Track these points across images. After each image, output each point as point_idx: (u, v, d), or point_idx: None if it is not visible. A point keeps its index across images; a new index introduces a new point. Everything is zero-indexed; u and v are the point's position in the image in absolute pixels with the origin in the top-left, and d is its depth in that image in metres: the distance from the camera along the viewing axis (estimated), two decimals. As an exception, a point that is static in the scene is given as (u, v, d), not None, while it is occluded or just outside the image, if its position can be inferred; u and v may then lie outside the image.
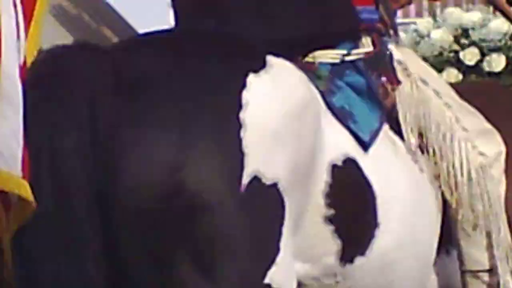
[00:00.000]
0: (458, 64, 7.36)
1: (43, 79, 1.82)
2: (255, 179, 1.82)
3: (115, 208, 1.77)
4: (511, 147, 2.70)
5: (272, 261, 1.84)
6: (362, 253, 2.07)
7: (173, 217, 1.76)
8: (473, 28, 7.41)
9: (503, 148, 2.45)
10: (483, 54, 7.37)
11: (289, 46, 2.06)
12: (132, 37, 2.28)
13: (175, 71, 1.87)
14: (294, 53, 2.07)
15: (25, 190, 1.71)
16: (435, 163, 2.29)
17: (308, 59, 2.11)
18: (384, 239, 2.10)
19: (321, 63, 2.12)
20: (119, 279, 1.78)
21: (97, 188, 1.75)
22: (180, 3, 2.28)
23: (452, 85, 2.84)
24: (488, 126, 2.45)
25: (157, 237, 1.77)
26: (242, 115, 1.83)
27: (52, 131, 1.76)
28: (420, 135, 2.28)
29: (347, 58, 2.16)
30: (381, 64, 2.25)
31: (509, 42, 7.44)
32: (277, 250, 1.85)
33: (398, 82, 2.26)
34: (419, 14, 9.28)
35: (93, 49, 1.90)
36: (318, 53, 2.13)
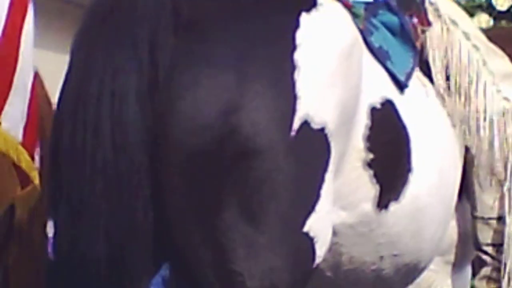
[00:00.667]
0: (489, 9, 7.23)
1: (104, 17, 1.80)
2: (305, 124, 1.83)
3: (170, 151, 1.76)
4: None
5: (312, 208, 1.85)
6: (396, 198, 2.09)
7: (225, 160, 1.76)
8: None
9: None
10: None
11: None
12: None
13: (231, 12, 1.86)
14: None
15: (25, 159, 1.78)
16: (461, 106, 2.29)
17: None
18: (416, 184, 2.12)
19: (355, 1, 2.11)
20: (165, 227, 1.79)
21: (154, 132, 1.75)
22: None
23: (483, 30, 2.82)
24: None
25: (207, 180, 1.77)
26: (296, 56, 1.83)
27: (114, 73, 1.75)
28: (447, 77, 2.28)
29: None
30: (412, 4, 2.25)
31: (541, -11, 7.31)
32: (317, 197, 1.86)
33: (429, 24, 2.26)
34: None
35: None
36: None
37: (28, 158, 2.83)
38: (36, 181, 3.06)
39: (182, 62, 1.78)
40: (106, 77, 1.74)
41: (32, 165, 2.97)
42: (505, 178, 2.38)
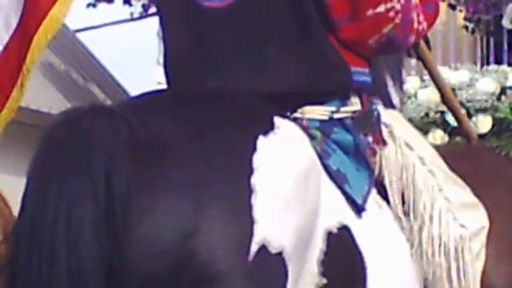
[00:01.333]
0: (444, 125, 7.37)
1: (60, 144, 1.80)
2: (263, 248, 1.81)
3: (126, 278, 1.75)
4: (498, 208, 2.70)
5: None
6: None
7: (183, 286, 1.75)
8: (460, 88, 7.40)
9: (486, 223, 2.40)
10: (469, 115, 7.37)
11: (280, 100, 2.06)
12: (135, 98, 2.27)
13: (188, 135, 1.88)
14: (285, 108, 2.07)
15: None
16: (416, 231, 2.24)
17: (297, 114, 2.10)
18: None
19: (309, 119, 2.11)
20: None
21: (110, 258, 1.73)
22: (171, 61, 2.29)
23: (437, 147, 2.85)
24: (473, 199, 2.42)
25: None
26: (253, 180, 1.83)
27: (69, 200, 1.74)
28: (404, 201, 2.26)
29: (336, 116, 2.15)
30: (368, 124, 2.24)
31: (495, 103, 7.46)
32: None
33: (384, 143, 2.25)
34: (406, 73, 9.40)
35: (107, 113, 1.87)
36: (307, 108, 2.12)
37: None
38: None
39: (139, 187, 1.77)
40: (61, 204, 1.74)
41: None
42: None
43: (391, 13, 2.16)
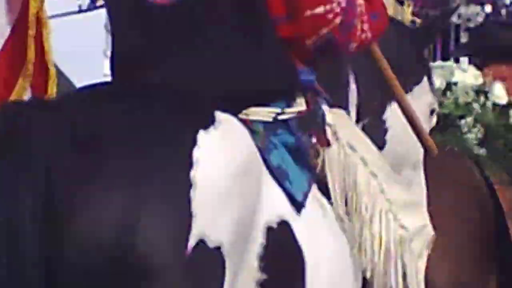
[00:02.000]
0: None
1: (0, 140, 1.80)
2: (201, 242, 1.83)
3: (64, 272, 1.75)
4: (443, 206, 2.76)
5: None
6: None
7: (121, 281, 1.75)
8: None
9: (428, 222, 2.46)
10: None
11: (224, 101, 2.07)
12: (78, 91, 2.28)
13: (128, 129, 1.89)
14: (229, 109, 2.08)
15: None
16: (357, 230, 2.29)
17: (242, 115, 2.12)
18: None
19: (253, 121, 2.13)
20: None
21: (48, 254, 1.74)
22: (117, 55, 2.30)
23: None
24: (415, 198, 2.48)
25: None
26: (192, 173, 1.84)
27: (10, 199, 1.74)
28: (346, 202, 2.30)
29: (280, 117, 2.17)
30: (312, 124, 2.26)
31: (440, 98, 7.63)
32: None
33: (328, 144, 2.28)
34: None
35: (47, 107, 1.88)
36: (251, 110, 2.14)
37: None
38: None
39: (76, 181, 1.78)
40: (2, 202, 1.75)
41: None
42: None
43: (330, 15, 2.18)
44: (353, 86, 2.96)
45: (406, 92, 3.06)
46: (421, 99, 3.30)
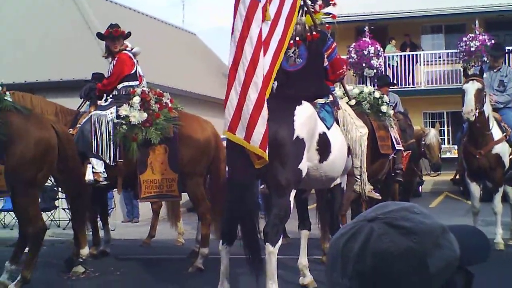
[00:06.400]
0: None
1: None
2: (297, 136, 6.78)
3: None
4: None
5: (302, 160, 6.89)
6: (326, 159, 7.25)
7: None
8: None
9: (367, 130, 8.06)
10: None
11: (308, 98, 7.18)
12: None
13: (273, 103, 6.64)
14: (309, 100, 7.22)
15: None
16: (347, 135, 7.78)
17: (313, 102, 7.36)
18: (333, 154, 7.34)
19: (317, 103, 7.42)
20: None
21: None
22: (277, 85, 7.42)
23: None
24: (362, 123, 8.06)
25: None
26: (295, 115, 6.78)
27: None
28: (344, 126, 7.79)
29: (326, 101, 7.53)
30: (334, 103, 7.71)
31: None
32: (303, 158, 6.85)
33: (339, 109, 7.78)
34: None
35: None
36: (317, 100, 7.42)
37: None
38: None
39: None
40: None
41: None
42: (356, 157, 7.93)
43: (343, 70, 7.72)
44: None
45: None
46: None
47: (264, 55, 6.29)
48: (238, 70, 6.15)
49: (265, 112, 6.24)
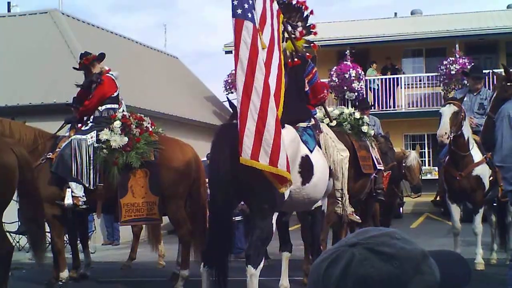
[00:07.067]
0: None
1: None
2: None
3: None
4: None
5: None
6: (309, 182, 7.27)
7: None
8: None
9: (348, 154, 8.17)
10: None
11: (290, 122, 7.19)
12: None
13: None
14: (292, 124, 7.26)
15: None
16: (328, 156, 7.90)
17: (296, 126, 7.40)
18: (315, 177, 7.37)
19: (300, 126, 7.49)
20: None
21: None
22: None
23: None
24: (343, 146, 8.17)
25: None
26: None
27: None
28: (325, 150, 7.90)
29: (308, 125, 7.61)
30: (316, 126, 7.79)
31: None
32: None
33: (321, 132, 7.86)
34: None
35: None
36: (299, 124, 7.49)
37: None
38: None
39: None
40: None
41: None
42: (338, 180, 8.04)
43: (324, 94, 7.79)
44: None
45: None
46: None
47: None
48: (251, 98, 6.16)
49: (282, 137, 6.33)
